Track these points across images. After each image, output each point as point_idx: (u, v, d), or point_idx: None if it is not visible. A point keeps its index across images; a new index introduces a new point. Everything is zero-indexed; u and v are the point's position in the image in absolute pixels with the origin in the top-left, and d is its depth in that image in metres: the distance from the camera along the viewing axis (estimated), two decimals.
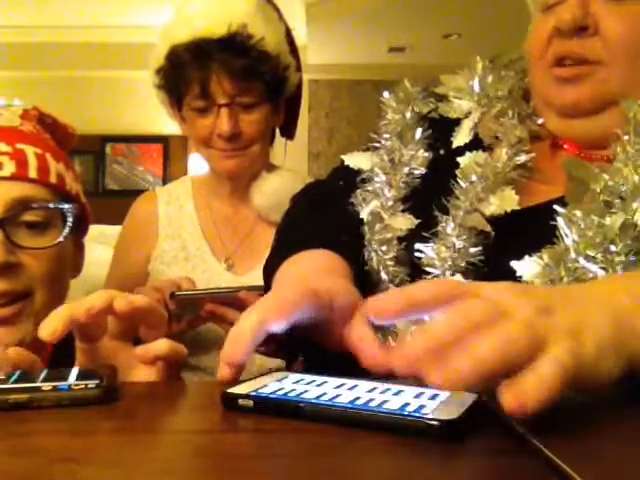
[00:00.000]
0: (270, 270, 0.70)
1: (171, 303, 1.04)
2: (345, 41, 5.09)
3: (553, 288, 0.48)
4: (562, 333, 0.40)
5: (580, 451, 0.35)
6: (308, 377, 0.48)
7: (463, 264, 0.65)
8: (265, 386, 0.46)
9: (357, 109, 5.85)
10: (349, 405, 0.41)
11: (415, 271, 0.68)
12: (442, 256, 0.66)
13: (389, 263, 0.69)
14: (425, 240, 0.68)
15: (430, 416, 0.38)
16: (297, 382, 0.47)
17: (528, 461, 0.34)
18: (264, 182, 1.20)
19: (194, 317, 1.09)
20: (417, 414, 0.39)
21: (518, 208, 0.66)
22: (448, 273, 0.65)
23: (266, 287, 0.71)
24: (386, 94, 0.78)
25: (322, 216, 0.76)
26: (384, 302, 0.41)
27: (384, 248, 0.70)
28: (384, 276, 0.70)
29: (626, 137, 0.62)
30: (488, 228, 0.66)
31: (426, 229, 0.69)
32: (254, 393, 0.44)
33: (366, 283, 0.70)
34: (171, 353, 0.59)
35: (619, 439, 0.39)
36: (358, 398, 0.42)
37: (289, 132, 1.31)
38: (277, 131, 1.30)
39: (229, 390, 0.45)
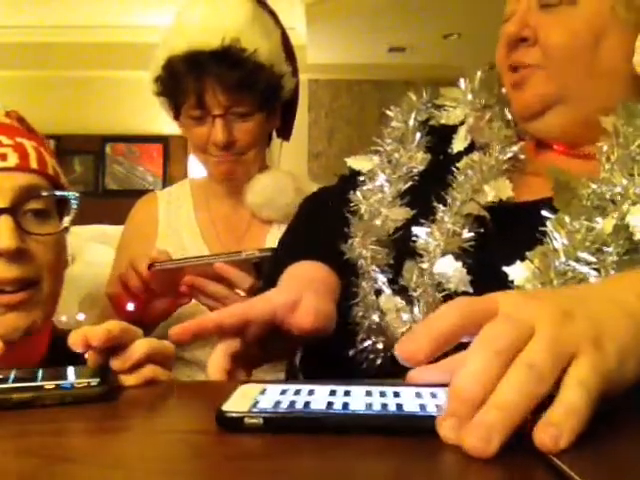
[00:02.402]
0: (270, 280, 0.72)
1: (149, 275, 1.02)
2: (345, 41, 5.09)
3: (566, 288, 0.48)
4: (586, 344, 0.39)
5: (579, 451, 0.35)
6: (289, 386, 0.45)
7: (455, 248, 0.67)
8: (257, 402, 0.42)
9: (357, 109, 5.85)
10: (371, 412, 0.40)
11: (405, 254, 0.70)
12: (435, 240, 0.68)
13: (370, 247, 0.72)
14: (421, 225, 0.70)
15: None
16: (284, 393, 0.44)
17: (527, 461, 0.34)
18: (255, 181, 1.23)
19: (176, 293, 1.07)
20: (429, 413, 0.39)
21: (512, 195, 0.69)
22: (438, 253, 0.67)
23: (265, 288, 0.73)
24: (392, 107, 0.82)
25: (320, 225, 0.80)
26: (414, 345, 0.40)
27: (366, 232, 0.73)
28: (367, 261, 0.72)
29: (609, 148, 0.64)
30: (484, 213, 0.68)
31: (423, 217, 0.71)
32: (256, 410, 0.41)
33: (349, 271, 0.73)
34: (152, 351, 0.58)
35: (619, 439, 0.39)
36: (371, 404, 0.41)
37: (285, 134, 1.33)
38: (274, 133, 1.32)
39: (225, 408, 0.41)
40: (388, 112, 0.82)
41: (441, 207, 0.70)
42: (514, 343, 0.39)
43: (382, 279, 0.70)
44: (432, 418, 0.38)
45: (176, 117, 1.25)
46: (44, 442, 0.40)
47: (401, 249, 0.71)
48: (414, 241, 0.70)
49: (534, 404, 0.37)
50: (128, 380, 0.56)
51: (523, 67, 0.71)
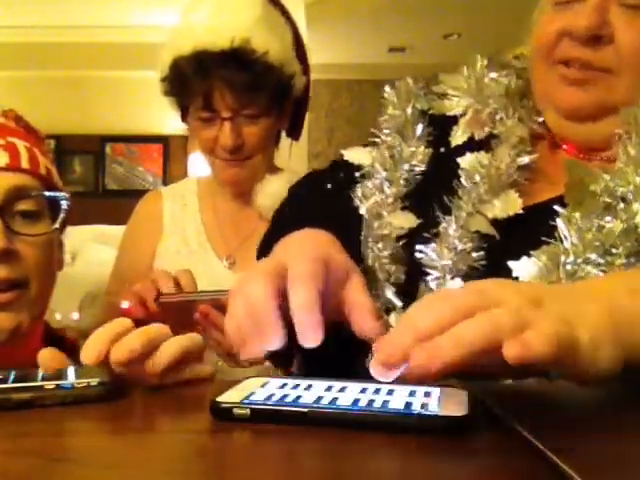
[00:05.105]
0: (265, 251, 0.68)
1: (157, 306, 0.99)
2: (345, 41, 5.09)
3: (545, 284, 0.48)
4: (552, 319, 0.39)
5: (580, 450, 0.35)
6: (291, 381, 0.47)
7: (464, 267, 0.64)
8: (253, 393, 0.44)
9: (357, 109, 5.85)
10: (355, 407, 0.41)
11: (413, 271, 0.67)
12: (443, 258, 0.65)
13: (385, 261, 0.68)
14: (426, 240, 0.67)
15: (443, 413, 0.39)
16: (282, 387, 0.46)
17: (528, 461, 0.34)
18: (267, 183, 1.22)
19: (184, 324, 1.04)
20: (428, 412, 0.39)
21: (521, 211, 0.65)
22: (448, 277, 0.64)
23: None
24: (387, 89, 0.76)
25: (319, 204, 0.76)
26: (392, 347, 0.39)
27: (380, 245, 0.69)
28: (380, 275, 0.69)
29: (628, 139, 0.61)
30: (493, 232, 0.65)
31: (427, 228, 0.68)
32: (247, 401, 0.42)
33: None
34: (182, 351, 0.56)
35: (619, 438, 0.39)
36: (358, 400, 0.42)
37: (295, 133, 1.32)
38: (283, 133, 1.30)
39: (219, 399, 0.43)
40: (384, 94, 0.76)
41: (446, 218, 0.66)
42: (471, 307, 0.39)
43: (396, 302, 0.67)
44: (413, 416, 0.39)
45: (184, 118, 1.24)
46: (44, 442, 0.40)
47: (408, 263, 0.68)
48: (419, 257, 0.66)
49: (488, 348, 0.37)
50: (164, 381, 0.55)
51: (585, 66, 0.63)
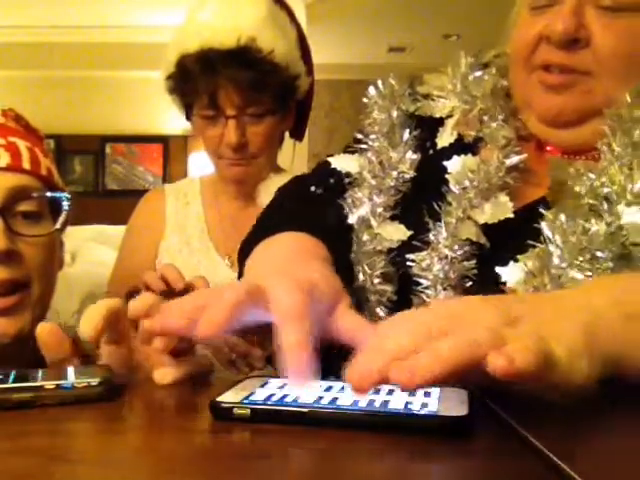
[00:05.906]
0: (246, 252, 0.68)
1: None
2: (345, 41, 5.09)
3: (521, 297, 0.47)
4: (527, 336, 0.39)
5: (580, 451, 0.35)
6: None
7: (455, 276, 0.63)
8: (252, 393, 0.44)
9: (357, 109, 5.84)
10: (355, 407, 0.41)
11: (404, 284, 0.66)
12: (434, 268, 0.64)
13: (376, 281, 0.67)
14: (416, 248, 0.66)
15: (443, 413, 0.39)
16: (282, 387, 0.46)
17: (528, 461, 0.34)
18: (270, 183, 1.22)
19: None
20: (428, 412, 0.39)
21: (511, 216, 0.64)
22: (440, 287, 0.63)
23: (240, 270, 0.69)
24: (371, 90, 0.75)
25: (306, 205, 0.74)
26: (366, 369, 0.37)
27: (372, 262, 0.68)
28: (371, 297, 0.67)
29: (612, 135, 0.60)
30: (484, 240, 0.64)
31: (416, 236, 0.66)
32: (247, 401, 0.43)
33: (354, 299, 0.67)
34: (186, 376, 0.55)
35: (619, 438, 0.39)
36: (358, 400, 0.42)
37: (298, 134, 1.32)
38: (286, 134, 1.31)
39: (219, 399, 0.43)
40: (368, 95, 0.74)
41: (436, 225, 0.65)
42: (446, 326, 0.38)
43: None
44: (413, 416, 0.39)
45: (188, 117, 1.24)
46: (44, 442, 0.40)
47: (399, 276, 0.67)
48: (410, 266, 0.65)
49: (469, 363, 0.36)
50: (168, 377, 0.55)
51: (565, 70, 0.63)
